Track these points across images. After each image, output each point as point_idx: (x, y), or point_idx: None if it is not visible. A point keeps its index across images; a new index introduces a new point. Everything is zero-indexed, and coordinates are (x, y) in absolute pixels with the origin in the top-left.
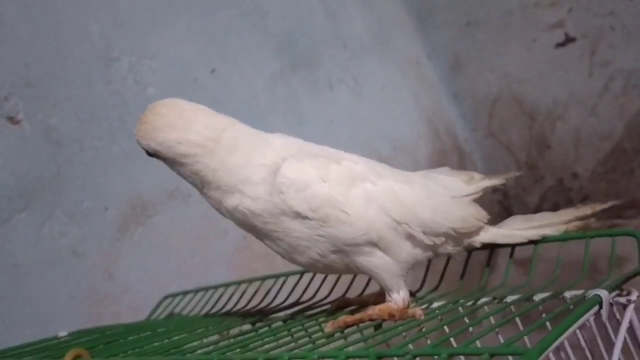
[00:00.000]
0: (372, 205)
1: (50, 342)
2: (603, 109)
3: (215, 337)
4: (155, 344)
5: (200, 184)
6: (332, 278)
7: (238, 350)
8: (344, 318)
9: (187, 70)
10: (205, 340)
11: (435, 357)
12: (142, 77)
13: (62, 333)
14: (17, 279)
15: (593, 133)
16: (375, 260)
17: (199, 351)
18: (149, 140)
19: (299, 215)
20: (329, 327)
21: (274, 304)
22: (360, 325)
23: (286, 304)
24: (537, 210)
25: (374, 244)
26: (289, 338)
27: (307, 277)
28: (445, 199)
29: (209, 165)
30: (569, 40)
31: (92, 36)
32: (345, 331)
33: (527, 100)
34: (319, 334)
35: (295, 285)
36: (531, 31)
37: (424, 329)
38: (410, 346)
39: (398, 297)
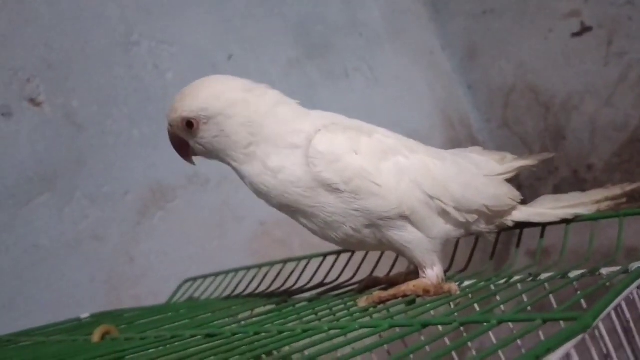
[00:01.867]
0: (404, 178)
1: (73, 324)
2: (619, 99)
3: (240, 316)
4: (186, 321)
5: (243, 145)
6: (356, 260)
7: (267, 325)
8: (377, 293)
9: (205, 56)
10: (229, 320)
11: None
12: (161, 62)
13: (84, 315)
14: (39, 261)
15: (608, 124)
16: (407, 236)
17: (233, 325)
18: (191, 103)
19: (331, 188)
20: (362, 302)
21: (296, 286)
22: (392, 301)
23: (309, 286)
24: None
25: (406, 219)
26: (313, 316)
27: (330, 259)
28: (477, 176)
29: (252, 119)
30: (585, 29)
31: (112, 20)
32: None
33: (542, 91)
34: (344, 312)
35: (318, 267)
36: (547, 20)
37: (458, 305)
38: (456, 315)
39: (432, 273)
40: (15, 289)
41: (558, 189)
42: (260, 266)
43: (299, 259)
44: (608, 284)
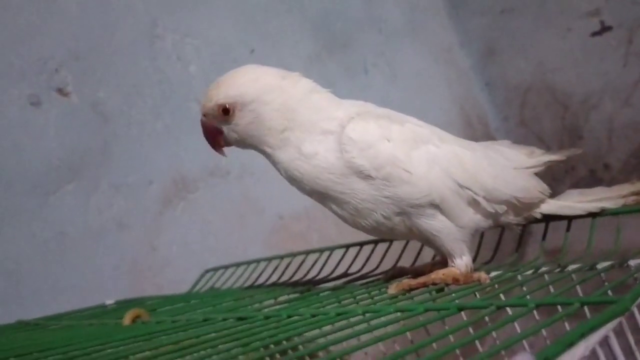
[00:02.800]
0: (435, 167)
1: (99, 310)
2: (638, 99)
3: (265, 303)
4: (210, 307)
5: (278, 130)
6: (378, 253)
7: (287, 311)
8: (407, 281)
9: (227, 50)
10: (257, 305)
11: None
12: (184, 55)
13: (109, 301)
14: (65, 248)
15: (627, 124)
16: (437, 224)
17: (264, 310)
18: (227, 90)
19: (363, 175)
20: (392, 289)
21: (319, 277)
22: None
23: (333, 276)
24: None
25: (436, 207)
26: (337, 304)
27: (353, 251)
28: (507, 168)
29: (287, 105)
30: (605, 29)
31: (138, 13)
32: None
33: (561, 90)
34: (368, 300)
35: (341, 259)
36: (566, 19)
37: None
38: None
39: (461, 262)
40: (42, 276)
41: (574, 188)
42: (282, 257)
43: (321, 251)
44: (637, 275)
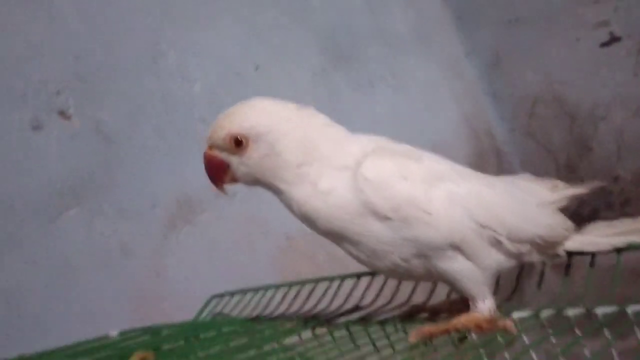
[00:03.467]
0: (456, 206)
1: (102, 342)
2: None
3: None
4: (217, 347)
5: (295, 164)
6: (392, 283)
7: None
8: (428, 328)
9: (231, 67)
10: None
11: None
12: (189, 73)
13: (113, 332)
14: (67, 276)
15: (637, 135)
16: (457, 266)
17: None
18: (241, 119)
19: (380, 215)
20: (412, 336)
21: (330, 308)
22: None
23: (344, 309)
24: (574, 214)
25: (456, 248)
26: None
27: (364, 280)
28: (530, 205)
29: (306, 136)
30: (613, 39)
31: (140, 30)
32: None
33: (569, 101)
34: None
35: (352, 289)
36: (575, 30)
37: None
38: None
39: (484, 306)
40: (43, 304)
41: (582, 201)
42: (290, 285)
43: (331, 279)
44: None
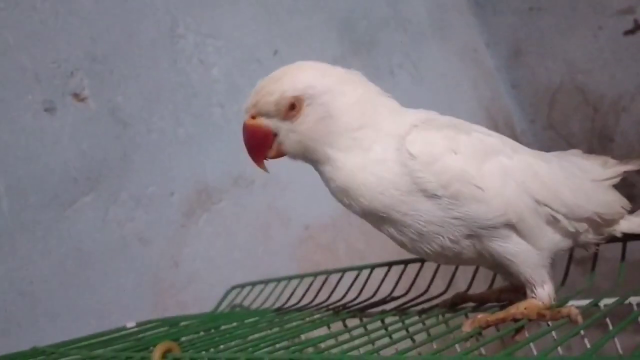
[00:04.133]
0: (509, 181)
1: (119, 333)
2: None
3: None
4: (247, 337)
5: (354, 127)
6: (428, 271)
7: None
8: (484, 316)
9: (250, 51)
10: (301, 338)
11: None
12: (207, 57)
13: (130, 324)
14: (82, 265)
15: None
16: (512, 247)
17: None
18: (293, 80)
19: (428, 193)
20: (466, 326)
21: (359, 299)
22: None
23: (376, 299)
24: None
25: (511, 227)
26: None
27: (396, 269)
28: (585, 181)
29: (366, 96)
30: (638, 27)
31: (158, 12)
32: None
33: (591, 91)
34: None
35: (384, 278)
36: (598, 18)
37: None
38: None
39: (543, 293)
40: (58, 295)
41: None
42: (315, 274)
43: (359, 268)
44: None
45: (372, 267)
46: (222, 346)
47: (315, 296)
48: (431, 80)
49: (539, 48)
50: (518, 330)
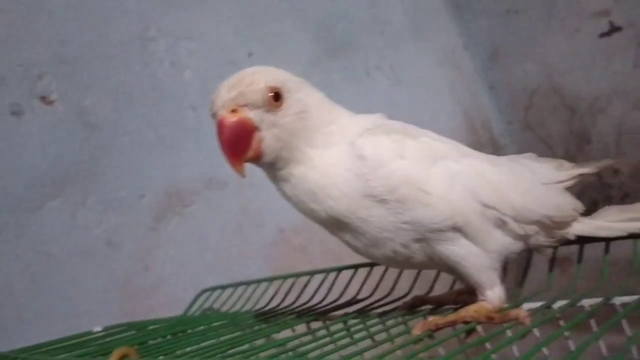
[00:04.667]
0: (456, 185)
1: (85, 338)
2: None
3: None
4: (206, 343)
5: (326, 121)
6: (391, 275)
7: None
8: (434, 319)
9: (224, 54)
10: (257, 342)
11: None
12: (179, 60)
13: (97, 328)
14: (49, 270)
15: (636, 127)
16: (460, 250)
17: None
18: (272, 73)
19: (378, 199)
20: (417, 329)
21: (326, 301)
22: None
23: (341, 301)
24: None
25: (459, 231)
26: (353, 347)
27: (362, 272)
28: (536, 184)
29: (323, 100)
30: (614, 29)
31: (129, 14)
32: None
33: (568, 93)
34: (389, 343)
35: (350, 281)
36: (574, 20)
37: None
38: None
39: (493, 295)
40: (24, 299)
41: (581, 194)
42: (284, 277)
43: (327, 271)
44: None
45: (339, 270)
46: (178, 351)
47: (284, 299)
48: (409, 82)
49: (517, 50)
50: (469, 333)
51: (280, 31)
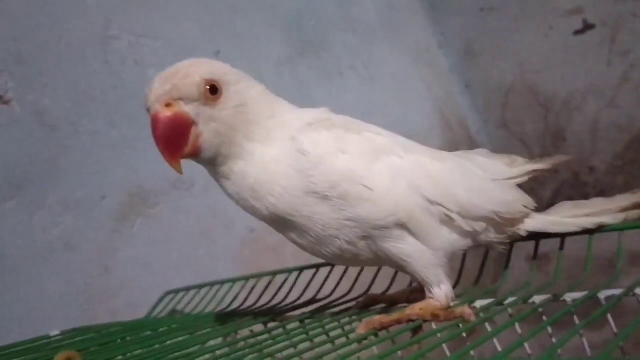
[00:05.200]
0: (400, 181)
1: (41, 342)
2: (622, 99)
3: (222, 339)
4: (157, 346)
5: (267, 115)
6: (352, 273)
7: (251, 356)
8: (379, 318)
9: (190, 52)
10: (212, 343)
11: None
12: (142, 58)
13: (54, 332)
14: (5, 273)
15: (611, 124)
16: (406, 247)
17: (206, 356)
18: (210, 65)
19: (320, 195)
20: (361, 328)
21: (287, 301)
22: (393, 328)
23: (301, 301)
24: (550, 205)
25: (404, 227)
26: (308, 344)
27: (323, 272)
28: (485, 180)
29: (263, 93)
30: (587, 27)
31: (90, 12)
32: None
33: (543, 91)
34: (343, 338)
35: (311, 280)
36: (548, 18)
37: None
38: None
39: (439, 293)
40: None
41: (558, 192)
42: (247, 278)
43: (289, 271)
44: None
45: (301, 270)
46: (120, 357)
47: (246, 299)
48: (382, 81)
49: (491, 48)
50: (416, 330)
51: (249, 29)
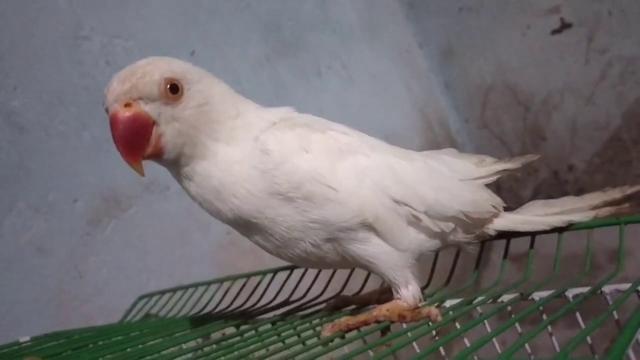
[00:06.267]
0: (365, 180)
1: (10, 349)
2: (600, 97)
3: (195, 342)
4: (128, 349)
5: (231, 115)
6: (325, 274)
7: (222, 358)
8: (345, 320)
9: (164, 52)
10: (184, 346)
11: None
12: (115, 59)
13: (24, 338)
14: None
15: (590, 123)
16: (372, 249)
17: (178, 359)
18: (170, 63)
19: (283, 196)
20: (326, 330)
21: (260, 303)
22: (364, 328)
23: (274, 303)
24: None
25: (370, 228)
26: (280, 344)
27: (297, 273)
28: (452, 180)
29: (227, 92)
30: (565, 26)
31: (61, 11)
32: (347, 336)
33: (522, 90)
34: (314, 338)
35: (284, 282)
36: (526, 17)
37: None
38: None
39: (407, 294)
40: None
41: (538, 191)
42: (221, 280)
43: (263, 273)
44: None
45: (275, 272)
46: (108, 356)
47: (220, 301)
48: (362, 82)
49: (471, 48)
50: (384, 331)
51: (225, 29)
